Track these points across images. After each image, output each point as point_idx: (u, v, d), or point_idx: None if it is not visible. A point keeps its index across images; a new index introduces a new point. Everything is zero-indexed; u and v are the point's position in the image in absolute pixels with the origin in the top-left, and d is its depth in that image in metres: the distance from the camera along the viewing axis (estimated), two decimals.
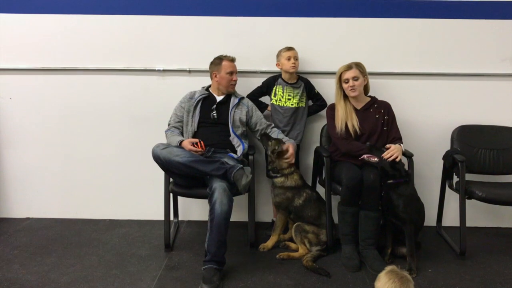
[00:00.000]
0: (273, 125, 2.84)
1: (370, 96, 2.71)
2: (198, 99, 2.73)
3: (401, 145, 2.55)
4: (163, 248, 2.63)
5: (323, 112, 2.88)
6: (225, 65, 2.70)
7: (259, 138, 2.83)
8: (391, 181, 2.40)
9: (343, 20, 2.93)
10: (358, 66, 2.59)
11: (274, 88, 2.85)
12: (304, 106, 2.88)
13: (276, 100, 2.85)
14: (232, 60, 2.74)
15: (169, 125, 2.78)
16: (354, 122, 2.58)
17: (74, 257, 2.51)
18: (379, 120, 2.63)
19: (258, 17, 2.93)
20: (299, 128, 2.89)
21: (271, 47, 2.87)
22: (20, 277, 2.27)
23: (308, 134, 3.01)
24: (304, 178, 2.72)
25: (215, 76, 2.73)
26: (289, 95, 2.82)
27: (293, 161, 2.64)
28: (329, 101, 2.83)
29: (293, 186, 2.60)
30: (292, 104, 2.83)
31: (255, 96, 2.92)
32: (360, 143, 2.56)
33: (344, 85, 2.59)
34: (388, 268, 1.69)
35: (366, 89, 2.68)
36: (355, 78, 2.55)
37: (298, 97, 2.84)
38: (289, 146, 2.64)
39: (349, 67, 2.58)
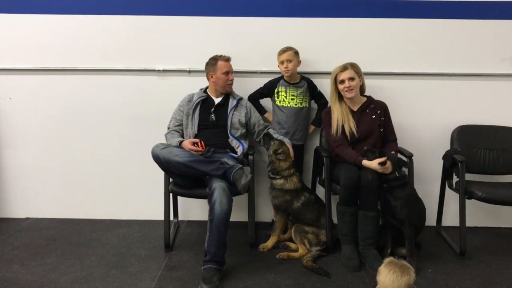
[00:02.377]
0: (270, 126, 2.85)
1: (366, 96, 2.69)
2: (197, 102, 2.73)
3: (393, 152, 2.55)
4: (163, 248, 2.63)
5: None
6: (221, 65, 2.69)
7: (257, 139, 2.83)
8: (385, 185, 2.40)
9: (343, 20, 2.92)
10: (353, 66, 2.56)
11: (276, 89, 2.85)
12: (307, 106, 2.88)
13: (279, 101, 2.85)
14: (227, 59, 2.73)
15: (168, 128, 2.78)
16: (351, 125, 2.57)
17: (74, 257, 2.51)
18: (376, 121, 2.61)
19: (258, 17, 2.93)
20: (304, 129, 2.89)
21: (271, 47, 2.87)
22: (20, 277, 2.27)
23: (308, 135, 3.01)
24: (303, 181, 2.72)
25: (211, 76, 2.73)
26: (292, 95, 2.82)
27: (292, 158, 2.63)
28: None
29: (292, 189, 2.59)
30: (295, 104, 2.82)
31: (256, 97, 2.92)
32: (352, 152, 2.54)
33: (340, 86, 2.57)
34: (387, 260, 1.71)
35: (361, 89, 2.66)
36: (351, 79, 2.53)
37: (302, 97, 2.83)
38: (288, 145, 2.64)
39: (344, 68, 2.55)
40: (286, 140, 2.72)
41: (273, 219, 2.95)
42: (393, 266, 1.66)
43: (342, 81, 2.55)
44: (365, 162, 2.45)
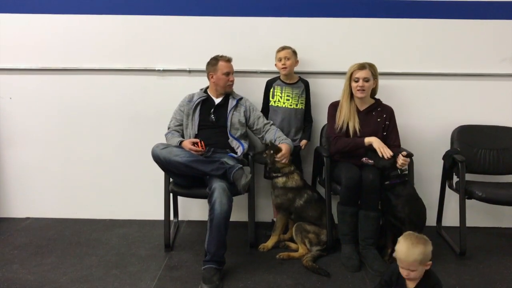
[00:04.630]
0: (271, 122, 2.81)
1: (374, 99, 2.70)
2: (197, 102, 2.73)
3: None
4: (163, 248, 2.63)
5: (323, 112, 2.88)
6: (222, 65, 2.69)
7: (259, 136, 2.82)
8: (387, 182, 2.40)
9: (343, 20, 2.92)
10: (371, 67, 2.56)
11: (272, 89, 2.84)
12: (303, 108, 2.86)
13: (274, 102, 2.84)
14: (228, 60, 2.73)
15: (169, 128, 2.78)
16: (355, 124, 2.57)
17: (74, 257, 2.51)
18: (380, 124, 2.61)
19: (258, 17, 2.93)
20: (299, 130, 2.87)
21: (271, 47, 2.87)
22: (20, 277, 2.27)
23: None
24: (304, 178, 2.72)
25: (212, 77, 2.73)
26: (287, 95, 2.81)
27: (285, 161, 2.60)
28: (328, 100, 2.82)
29: (294, 187, 2.60)
30: (290, 105, 2.81)
31: (266, 105, 2.89)
32: (349, 138, 2.55)
33: (353, 84, 2.56)
34: (406, 232, 1.79)
35: (373, 91, 2.67)
36: (366, 79, 2.53)
37: (297, 98, 2.82)
38: (282, 145, 2.61)
39: (362, 67, 2.54)
40: (288, 141, 2.68)
41: (273, 219, 2.96)
42: (409, 236, 1.73)
43: (357, 79, 2.54)
44: (368, 139, 2.47)
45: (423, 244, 1.70)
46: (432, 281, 1.75)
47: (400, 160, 2.38)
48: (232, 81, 2.75)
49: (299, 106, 2.84)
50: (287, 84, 2.82)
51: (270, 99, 2.85)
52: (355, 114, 2.60)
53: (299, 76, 2.88)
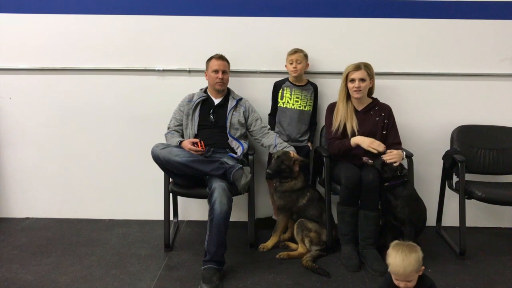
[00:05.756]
0: (268, 127, 2.82)
1: (372, 98, 2.70)
2: (197, 102, 2.73)
3: (403, 152, 2.52)
4: (162, 248, 2.63)
5: (321, 111, 2.88)
6: (212, 63, 2.70)
7: (254, 138, 2.82)
8: (387, 184, 2.40)
9: (343, 20, 2.92)
10: (367, 67, 2.56)
11: (281, 91, 2.85)
12: (310, 110, 2.87)
13: (283, 103, 2.84)
14: (219, 57, 2.71)
15: (168, 128, 2.78)
16: (353, 124, 2.57)
17: (74, 257, 2.51)
18: (379, 123, 2.61)
19: (258, 17, 2.93)
20: (307, 132, 2.88)
21: (271, 47, 2.88)
22: (19, 277, 2.27)
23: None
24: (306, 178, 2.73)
25: (206, 75, 2.75)
26: (297, 97, 2.81)
27: (297, 167, 2.62)
28: (328, 101, 2.83)
29: (299, 188, 2.60)
30: (299, 107, 2.82)
31: (274, 106, 2.90)
32: (341, 141, 2.56)
33: (349, 85, 2.57)
34: (393, 243, 1.79)
35: (370, 91, 2.67)
36: (362, 80, 2.53)
37: (306, 100, 2.83)
38: (291, 153, 2.61)
39: (357, 67, 2.54)
40: (291, 148, 2.67)
41: (273, 217, 2.96)
42: (400, 246, 1.74)
43: (353, 80, 2.54)
44: (354, 140, 2.49)
45: (415, 252, 1.71)
46: (427, 284, 1.75)
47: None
48: (222, 79, 2.70)
49: (307, 108, 2.85)
50: (296, 86, 2.82)
51: (279, 100, 2.85)
52: (352, 114, 2.60)
53: (308, 79, 2.88)
